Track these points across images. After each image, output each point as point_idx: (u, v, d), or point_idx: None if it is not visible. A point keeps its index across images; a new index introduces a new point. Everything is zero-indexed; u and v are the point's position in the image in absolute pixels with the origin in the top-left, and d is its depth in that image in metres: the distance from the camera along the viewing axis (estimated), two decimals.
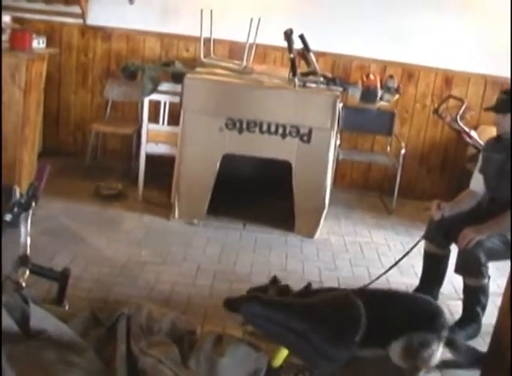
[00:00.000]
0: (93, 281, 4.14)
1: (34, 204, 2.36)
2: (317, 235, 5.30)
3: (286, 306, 2.06)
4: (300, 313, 2.04)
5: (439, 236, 4.13)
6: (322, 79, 5.32)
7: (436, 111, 5.87)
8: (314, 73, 5.38)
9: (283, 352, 2.10)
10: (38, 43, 5.16)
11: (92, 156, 6.45)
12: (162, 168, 5.89)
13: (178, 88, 5.39)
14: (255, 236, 5.20)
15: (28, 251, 2.36)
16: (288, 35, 5.15)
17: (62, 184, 5.71)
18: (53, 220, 5.05)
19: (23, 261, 2.30)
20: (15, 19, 5.69)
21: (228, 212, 5.46)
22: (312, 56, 5.38)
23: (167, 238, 4.99)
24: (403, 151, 6.09)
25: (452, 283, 4.50)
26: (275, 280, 3.06)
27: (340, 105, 5.11)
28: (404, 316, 3.05)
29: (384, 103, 5.44)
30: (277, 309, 2.04)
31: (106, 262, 4.51)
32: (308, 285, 3.14)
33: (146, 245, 4.83)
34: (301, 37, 5.29)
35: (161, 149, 5.70)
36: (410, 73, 6.47)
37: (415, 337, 3.01)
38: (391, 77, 5.50)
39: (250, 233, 5.24)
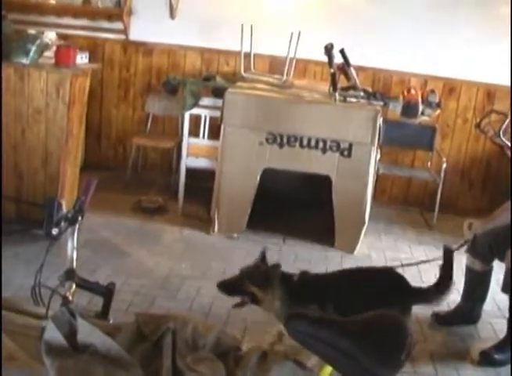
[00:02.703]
0: (134, 294, 4.19)
1: (80, 218, 2.37)
2: (357, 250, 5.27)
3: (333, 324, 2.06)
4: (347, 332, 2.03)
5: (482, 251, 4.06)
6: (362, 94, 5.32)
7: (478, 126, 5.81)
8: (354, 87, 5.38)
9: (328, 370, 2.09)
10: (81, 58, 5.24)
11: (133, 170, 6.51)
12: (202, 182, 5.92)
13: (218, 102, 5.42)
14: (295, 250, 5.19)
15: (75, 265, 2.38)
16: (329, 50, 5.15)
17: (103, 197, 5.73)
18: (94, 233, 5.10)
19: (70, 275, 2.32)
20: (59, 36, 5.78)
21: (268, 227, 5.46)
22: (353, 71, 5.38)
23: (207, 252, 5.01)
24: (444, 166, 6.04)
25: (495, 300, 4.44)
26: (263, 257, 3.25)
27: (380, 119, 5.09)
28: (377, 289, 3.30)
29: (425, 117, 5.41)
30: (324, 326, 2.03)
31: (146, 274, 4.55)
32: (304, 272, 3.33)
33: (186, 259, 4.85)
34: (342, 51, 5.30)
35: (201, 163, 5.75)
36: (451, 87, 6.42)
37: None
38: (433, 91, 5.47)
39: (289, 248, 5.23)
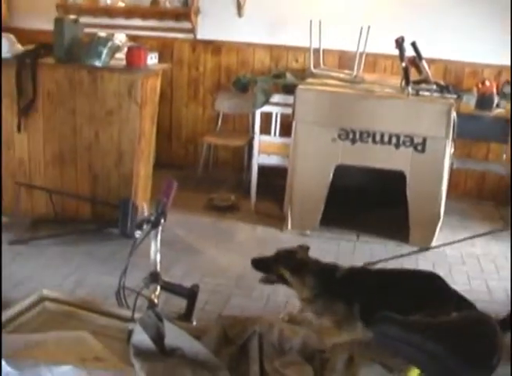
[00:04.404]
0: (209, 292, 4.19)
1: (163, 221, 2.39)
2: (432, 246, 5.17)
3: (423, 327, 2.01)
4: (436, 334, 1.98)
5: None
6: (435, 87, 5.22)
7: None
8: (426, 81, 5.29)
9: (415, 373, 2.05)
10: (151, 59, 5.28)
11: (204, 168, 6.55)
12: (274, 180, 5.91)
13: (289, 99, 5.40)
14: (369, 247, 5.13)
15: (158, 267, 2.40)
16: (400, 43, 5.09)
17: (175, 196, 5.79)
18: (168, 231, 5.07)
19: (154, 277, 2.34)
20: (129, 37, 5.85)
21: (342, 223, 5.40)
22: (425, 64, 5.29)
23: None
24: None
25: None
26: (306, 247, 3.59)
27: (454, 113, 4.99)
28: (411, 294, 3.39)
29: (500, 109, 5.30)
30: (413, 329, 1.99)
31: (221, 273, 4.56)
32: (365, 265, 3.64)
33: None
34: (413, 44, 5.22)
35: (273, 160, 5.76)
36: None
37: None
38: (508, 82, 5.35)
39: (363, 244, 5.17)
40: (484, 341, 1.96)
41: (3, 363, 1.93)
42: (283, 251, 3.55)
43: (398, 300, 3.40)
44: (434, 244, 5.17)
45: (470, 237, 4.49)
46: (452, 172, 5.95)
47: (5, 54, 4.90)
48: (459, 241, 4.43)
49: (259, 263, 3.51)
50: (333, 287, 3.50)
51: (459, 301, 3.53)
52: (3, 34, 5.01)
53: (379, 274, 3.64)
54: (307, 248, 3.64)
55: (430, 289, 3.53)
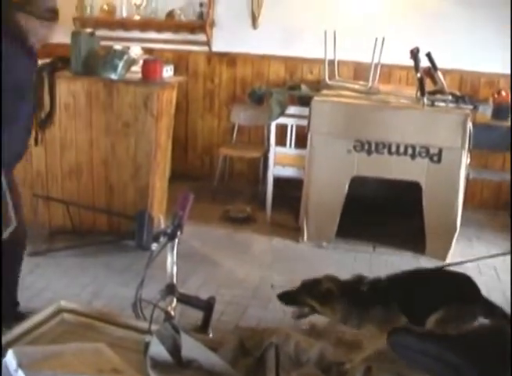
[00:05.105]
0: (225, 304, 4.20)
1: (179, 233, 2.40)
2: (449, 257, 5.15)
3: (440, 338, 2.01)
4: (454, 346, 1.97)
5: None
6: (450, 97, 5.22)
7: None
8: (441, 91, 5.29)
9: None
10: (166, 71, 5.32)
11: (220, 180, 6.56)
12: (289, 191, 5.92)
13: (304, 111, 5.41)
14: (385, 259, 5.11)
15: (175, 279, 2.40)
16: (415, 54, 5.09)
17: (191, 208, 5.81)
18: (184, 243, 5.08)
19: (171, 290, 2.35)
20: (144, 50, 5.89)
21: (358, 234, 5.40)
22: (440, 74, 5.29)
23: (297, 261, 4.99)
24: None
25: None
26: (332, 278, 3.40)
27: (470, 123, 4.98)
28: (437, 292, 3.31)
29: None
30: (431, 340, 1.99)
31: (237, 284, 4.57)
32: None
33: (275, 268, 4.85)
34: (428, 55, 5.22)
35: (288, 172, 5.77)
36: None
37: (451, 310, 3.23)
38: None
39: (380, 256, 5.16)
40: (502, 352, 1.95)
41: (20, 373, 1.94)
42: (308, 282, 3.43)
43: (435, 296, 3.34)
44: (450, 255, 5.15)
45: (475, 259, 4.43)
46: (469, 183, 5.93)
47: None
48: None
49: (285, 297, 3.38)
50: (362, 300, 3.41)
51: (489, 307, 3.48)
52: None
53: (403, 274, 3.54)
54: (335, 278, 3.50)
55: (454, 287, 3.43)
